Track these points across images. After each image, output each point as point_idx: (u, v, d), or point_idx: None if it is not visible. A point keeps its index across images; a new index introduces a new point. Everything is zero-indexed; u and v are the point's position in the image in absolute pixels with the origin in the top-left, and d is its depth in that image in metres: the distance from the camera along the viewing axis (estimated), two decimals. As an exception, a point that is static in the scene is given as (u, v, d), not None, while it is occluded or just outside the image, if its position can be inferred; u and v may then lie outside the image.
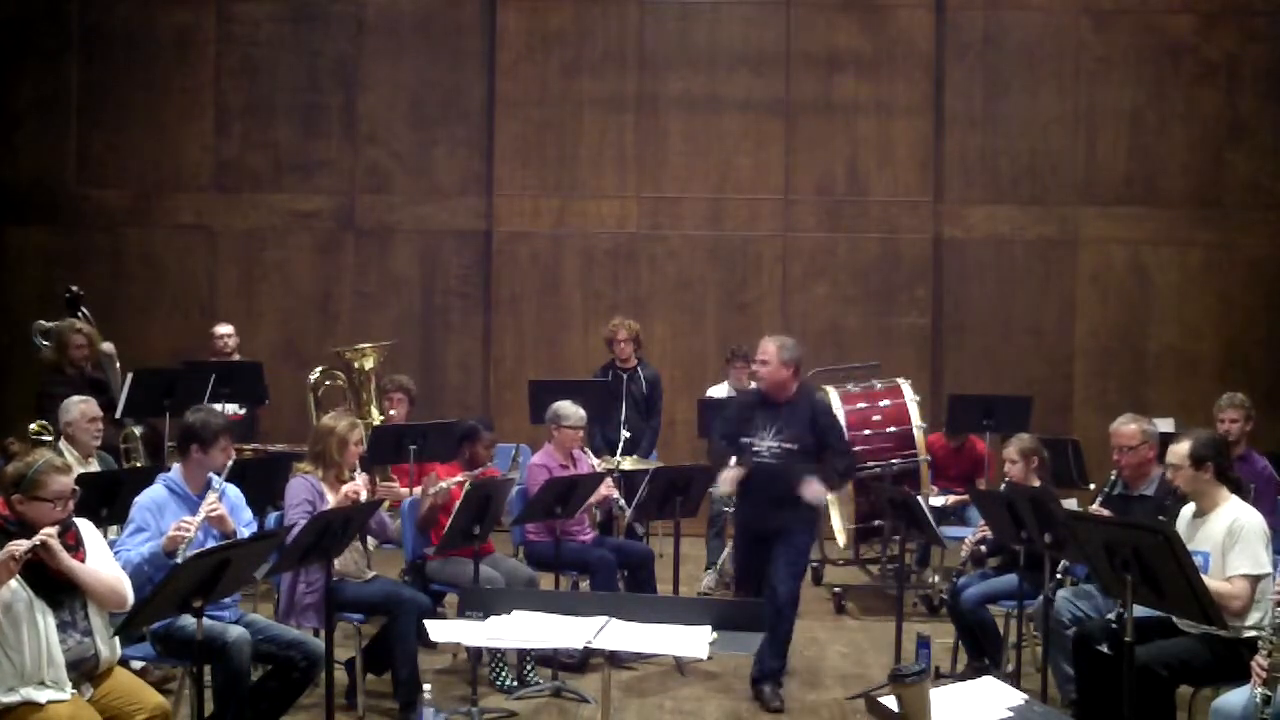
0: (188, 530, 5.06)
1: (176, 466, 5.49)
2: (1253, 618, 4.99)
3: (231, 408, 8.70)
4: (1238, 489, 5.35)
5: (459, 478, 6.69)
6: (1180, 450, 5.29)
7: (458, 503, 6.20)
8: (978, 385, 9.95)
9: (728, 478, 6.40)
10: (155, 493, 5.36)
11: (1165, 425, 7.27)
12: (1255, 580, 5.01)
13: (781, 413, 6.44)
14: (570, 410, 7.46)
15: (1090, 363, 10.96)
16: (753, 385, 8.39)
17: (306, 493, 5.93)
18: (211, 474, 5.39)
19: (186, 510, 5.25)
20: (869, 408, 8.45)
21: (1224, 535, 5.13)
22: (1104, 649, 5.33)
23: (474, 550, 6.28)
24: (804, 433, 6.42)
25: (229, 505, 5.37)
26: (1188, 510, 5.43)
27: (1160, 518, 5.33)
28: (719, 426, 6.81)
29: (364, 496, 5.82)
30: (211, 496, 5.24)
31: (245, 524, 5.49)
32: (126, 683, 4.69)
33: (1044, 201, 11.01)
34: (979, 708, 3.52)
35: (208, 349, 9.42)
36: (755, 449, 6.42)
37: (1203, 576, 5.00)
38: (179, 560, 4.94)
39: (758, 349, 6.59)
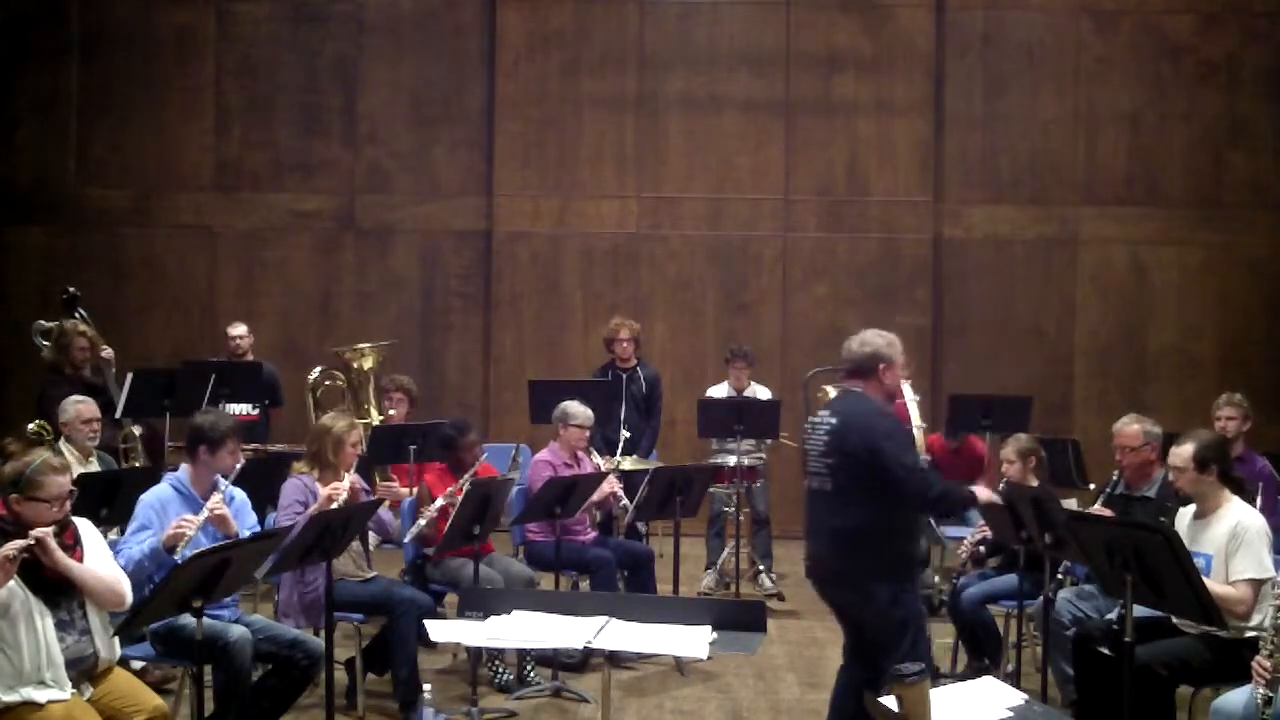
0: (189, 527, 5.04)
1: (184, 467, 5.45)
2: (1254, 619, 4.98)
3: (244, 408, 8.68)
4: (1240, 490, 5.33)
5: (440, 503, 6.45)
6: (1184, 453, 5.25)
7: (458, 503, 6.20)
8: (977, 385, 9.92)
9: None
10: (161, 491, 5.34)
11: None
12: (1259, 584, 5.00)
13: None
14: (578, 410, 7.47)
15: (1090, 363, 10.96)
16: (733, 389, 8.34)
17: (299, 494, 5.91)
18: (219, 476, 5.38)
19: (190, 511, 5.22)
20: (869, 408, 8.42)
21: (1227, 539, 5.11)
22: (1104, 650, 5.33)
23: (474, 550, 6.28)
24: None
25: (235, 509, 5.35)
26: (1187, 511, 5.41)
27: (1161, 519, 5.32)
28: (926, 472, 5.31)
29: (343, 498, 5.73)
30: (216, 496, 5.22)
31: (250, 527, 5.45)
32: (125, 683, 4.68)
33: (1044, 201, 11.00)
34: (979, 708, 3.52)
35: (221, 349, 9.38)
36: None
37: (1205, 580, 5.01)
38: (178, 559, 4.93)
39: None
